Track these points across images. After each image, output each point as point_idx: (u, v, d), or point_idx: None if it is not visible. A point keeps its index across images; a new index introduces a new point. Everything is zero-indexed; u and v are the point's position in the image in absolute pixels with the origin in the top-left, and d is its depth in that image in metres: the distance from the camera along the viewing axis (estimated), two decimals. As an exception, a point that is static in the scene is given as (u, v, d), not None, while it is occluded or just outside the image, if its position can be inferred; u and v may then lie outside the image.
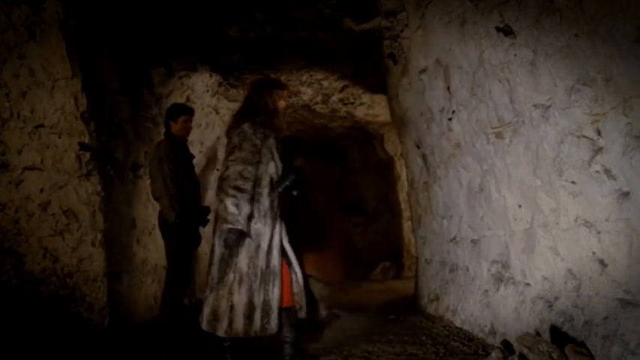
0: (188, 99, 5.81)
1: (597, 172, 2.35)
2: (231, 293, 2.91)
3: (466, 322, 4.03)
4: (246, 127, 2.97)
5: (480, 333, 3.74)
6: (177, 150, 3.96)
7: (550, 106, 2.61)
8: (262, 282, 2.93)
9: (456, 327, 4.14)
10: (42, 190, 3.33)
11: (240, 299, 2.90)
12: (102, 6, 4.01)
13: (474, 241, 3.97)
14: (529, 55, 2.67)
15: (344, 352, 3.55)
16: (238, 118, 3.10)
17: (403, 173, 7.94)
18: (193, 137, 4.55)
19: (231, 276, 2.92)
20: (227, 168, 2.92)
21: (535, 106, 2.74)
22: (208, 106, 6.47)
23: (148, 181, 4.58)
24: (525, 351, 2.64)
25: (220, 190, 2.91)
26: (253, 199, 2.92)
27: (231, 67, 5.66)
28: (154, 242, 5.07)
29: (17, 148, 3.21)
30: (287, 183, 3.04)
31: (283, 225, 3.06)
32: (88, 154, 3.65)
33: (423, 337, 3.88)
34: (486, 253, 3.74)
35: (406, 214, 9.00)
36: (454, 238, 4.35)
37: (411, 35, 4.41)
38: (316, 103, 7.13)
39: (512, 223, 3.30)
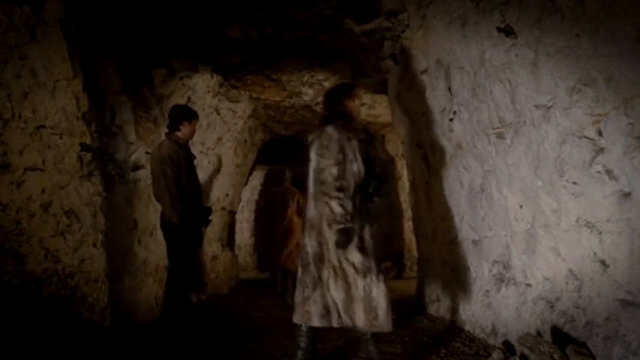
0: (189, 100, 5.81)
1: (598, 172, 2.34)
2: (329, 289, 3.02)
3: (467, 323, 4.03)
4: (329, 130, 3.09)
5: (482, 333, 3.74)
6: (179, 151, 3.97)
7: (551, 106, 2.60)
8: (359, 276, 3.01)
9: (458, 327, 4.14)
10: (43, 191, 3.33)
11: (337, 295, 3.01)
12: (103, 6, 4.01)
13: (475, 242, 3.97)
14: (530, 56, 2.67)
15: (345, 352, 3.55)
16: (321, 123, 3.23)
17: (404, 174, 7.94)
18: (194, 138, 4.56)
19: (325, 273, 3.04)
20: (322, 171, 3.03)
21: (536, 106, 2.74)
22: (209, 106, 6.47)
23: (150, 182, 4.58)
24: (527, 351, 2.64)
25: (322, 193, 3.03)
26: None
27: (232, 68, 5.66)
28: (155, 243, 5.07)
29: (18, 149, 3.21)
30: (370, 190, 3.13)
31: (370, 225, 3.12)
32: (89, 155, 3.65)
33: (425, 338, 3.87)
34: (487, 254, 3.74)
35: (407, 214, 8.99)
36: (455, 239, 4.35)
37: (412, 36, 4.41)
38: (317, 103, 7.12)
39: (514, 224, 3.30)
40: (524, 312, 3.16)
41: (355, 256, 3.02)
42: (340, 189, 2.99)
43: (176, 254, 3.95)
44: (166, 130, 4.14)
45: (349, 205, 3.01)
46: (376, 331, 3.03)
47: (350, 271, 3.01)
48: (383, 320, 2.97)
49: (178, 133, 4.03)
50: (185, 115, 4.09)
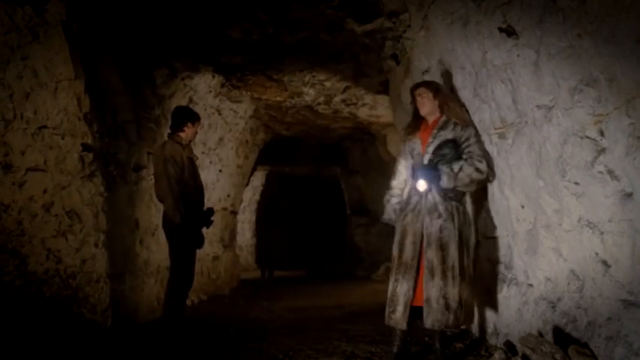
0: (191, 100, 5.81)
1: (600, 172, 2.34)
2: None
3: (469, 323, 4.02)
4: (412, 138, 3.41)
5: (483, 334, 3.74)
6: (181, 151, 3.97)
7: (553, 106, 2.60)
8: (400, 273, 3.14)
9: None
10: (45, 191, 3.34)
11: (389, 287, 3.19)
12: (105, 7, 4.02)
13: (476, 242, 3.96)
14: (532, 56, 2.67)
15: (346, 352, 3.55)
16: (408, 127, 3.53)
17: (406, 174, 7.92)
18: (196, 138, 4.56)
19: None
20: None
21: (538, 106, 2.73)
22: (211, 107, 6.47)
23: (152, 182, 4.59)
24: (528, 352, 2.63)
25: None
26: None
27: (233, 68, 5.66)
28: (156, 243, 5.07)
29: (20, 149, 3.22)
30: (417, 181, 3.18)
31: (438, 222, 3.16)
32: (90, 155, 3.66)
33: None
34: (489, 254, 3.74)
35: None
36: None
37: (413, 36, 4.41)
38: (319, 104, 7.13)
39: (515, 224, 3.30)
40: (525, 312, 3.16)
41: (396, 250, 3.25)
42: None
43: (178, 254, 3.95)
44: (169, 131, 4.14)
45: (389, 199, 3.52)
46: (389, 325, 3.20)
47: (397, 265, 3.18)
48: (399, 317, 3.14)
49: (181, 134, 4.03)
50: (188, 116, 4.10)
